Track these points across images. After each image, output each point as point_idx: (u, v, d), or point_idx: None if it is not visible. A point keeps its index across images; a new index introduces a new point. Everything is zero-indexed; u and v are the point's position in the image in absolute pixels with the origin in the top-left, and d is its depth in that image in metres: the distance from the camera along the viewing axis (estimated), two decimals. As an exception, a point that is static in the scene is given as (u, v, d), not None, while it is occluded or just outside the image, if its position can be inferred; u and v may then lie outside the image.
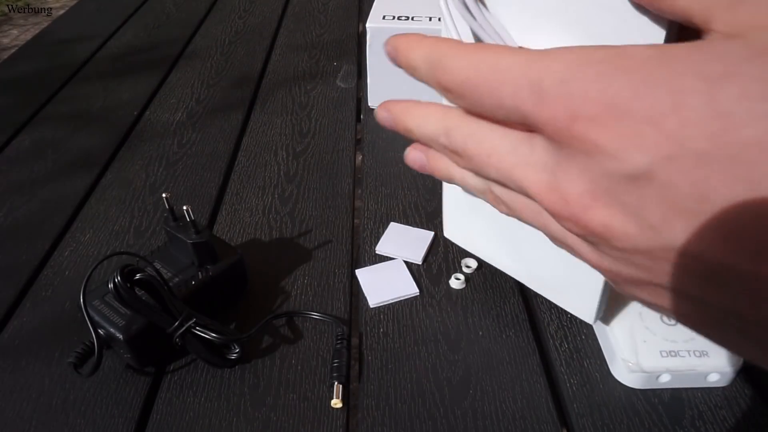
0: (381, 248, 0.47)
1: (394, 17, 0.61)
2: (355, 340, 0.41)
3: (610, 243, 0.16)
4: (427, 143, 0.22)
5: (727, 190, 0.13)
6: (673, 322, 0.36)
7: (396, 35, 0.22)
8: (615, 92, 0.15)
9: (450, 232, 0.45)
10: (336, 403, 0.36)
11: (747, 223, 0.13)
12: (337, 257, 0.47)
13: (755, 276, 0.13)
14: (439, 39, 0.20)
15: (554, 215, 0.17)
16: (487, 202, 0.22)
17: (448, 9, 0.27)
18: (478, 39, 0.26)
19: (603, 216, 0.16)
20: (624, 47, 0.15)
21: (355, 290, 0.45)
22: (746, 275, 0.13)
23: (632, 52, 0.15)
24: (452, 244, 0.48)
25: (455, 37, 0.26)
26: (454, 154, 0.21)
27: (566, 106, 0.15)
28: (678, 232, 0.14)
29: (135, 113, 0.69)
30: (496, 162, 0.19)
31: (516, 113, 0.17)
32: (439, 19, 0.60)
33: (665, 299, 0.16)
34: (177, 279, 0.40)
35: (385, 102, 0.23)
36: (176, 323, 0.36)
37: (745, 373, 0.37)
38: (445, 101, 0.21)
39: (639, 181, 0.15)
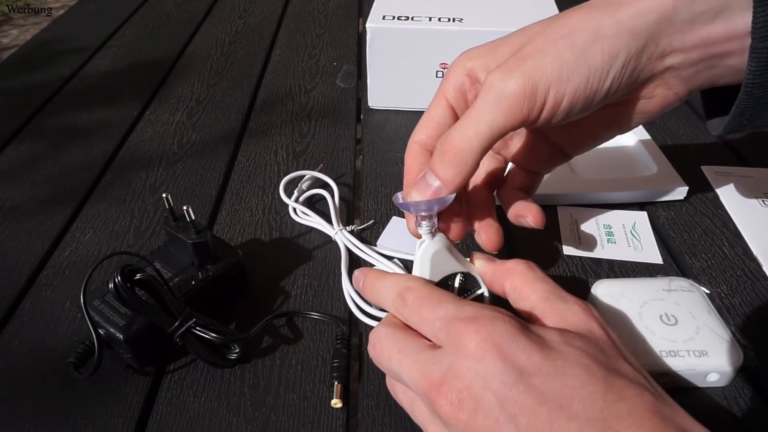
0: (381, 242, 0.47)
1: (394, 17, 0.61)
2: (355, 340, 0.41)
3: None
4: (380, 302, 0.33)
5: None
6: (672, 321, 0.36)
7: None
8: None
9: None
10: (336, 403, 0.36)
11: None
12: (337, 257, 0.47)
13: None
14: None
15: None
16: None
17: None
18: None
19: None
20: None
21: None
22: None
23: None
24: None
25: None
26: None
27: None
28: None
29: (135, 113, 0.69)
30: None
31: None
32: (439, 20, 0.60)
33: None
34: (177, 279, 0.40)
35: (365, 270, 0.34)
36: (176, 323, 0.36)
37: (745, 373, 0.37)
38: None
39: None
